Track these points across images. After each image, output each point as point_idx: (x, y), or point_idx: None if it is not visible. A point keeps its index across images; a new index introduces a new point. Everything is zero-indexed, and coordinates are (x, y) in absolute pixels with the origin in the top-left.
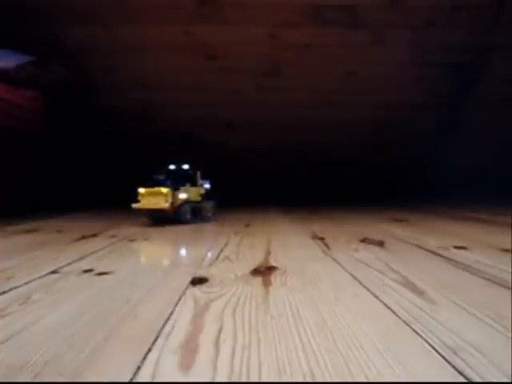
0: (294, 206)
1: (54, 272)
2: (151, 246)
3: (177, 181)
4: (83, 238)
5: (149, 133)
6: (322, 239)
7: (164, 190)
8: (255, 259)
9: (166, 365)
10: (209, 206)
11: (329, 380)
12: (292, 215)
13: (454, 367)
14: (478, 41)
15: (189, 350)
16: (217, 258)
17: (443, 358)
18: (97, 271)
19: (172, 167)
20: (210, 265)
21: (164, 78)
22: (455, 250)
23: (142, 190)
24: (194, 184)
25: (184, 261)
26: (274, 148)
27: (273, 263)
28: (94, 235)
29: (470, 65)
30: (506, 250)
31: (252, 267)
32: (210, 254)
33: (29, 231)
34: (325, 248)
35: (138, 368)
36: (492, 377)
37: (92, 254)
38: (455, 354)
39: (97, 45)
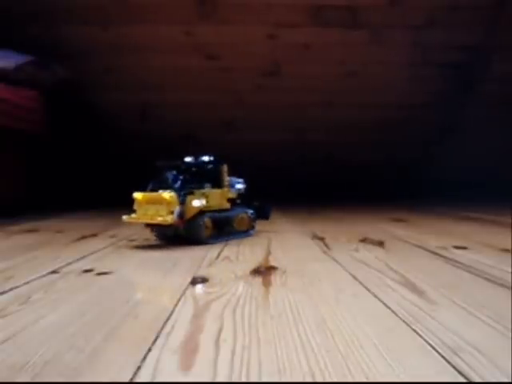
0: (294, 206)
1: (53, 272)
2: (151, 245)
3: (192, 180)
4: (83, 237)
5: (148, 133)
6: (322, 239)
7: (167, 195)
8: (255, 259)
9: (166, 365)
10: (242, 215)
11: (329, 380)
12: (292, 215)
13: (454, 367)
14: (478, 41)
15: (189, 350)
16: (217, 257)
17: (443, 357)
18: (97, 271)
19: (188, 159)
20: (210, 265)
21: (164, 78)
22: (455, 250)
23: (137, 196)
24: (217, 184)
25: (184, 260)
26: (274, 148)
27: (273, 263)
28: (94, 235)
29: (470, 65)
30: (506, 250)
31: (252, 267)
32: (209, 254)
33: (29, 231)
34: (325, 248)
35: (138, 368)
36: (492, 377)
37: (92, 253)
38: (455, 354)
39: (96, 45)
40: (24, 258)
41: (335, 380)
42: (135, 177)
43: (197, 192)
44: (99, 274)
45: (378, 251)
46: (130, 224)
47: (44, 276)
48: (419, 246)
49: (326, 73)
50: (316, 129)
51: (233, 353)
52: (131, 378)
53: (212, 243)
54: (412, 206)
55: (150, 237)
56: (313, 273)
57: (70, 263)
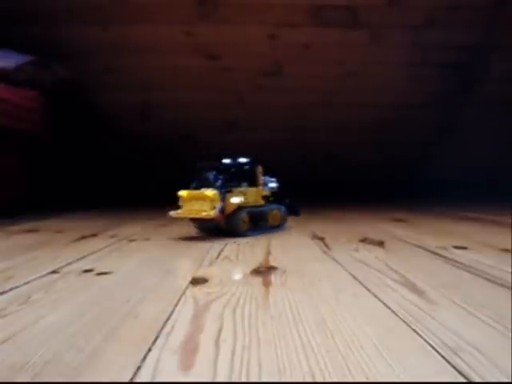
0: None
1: (53, 272)
2: (151, 245)
3: (230, 180)
4: (83, 237)
5: (148, 133)
6: (322, 239)
7: (209, 192)
8: (255, 259)
9: (166, 365)
10: (275, 211)
11: (329, 380)
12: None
13: (454, 367)
14: (477, 41)
15: (189, 350)
16: (217, 257)
17: (443, 357)
18: (97, 271)
19: (226, 161)
20: (210, 264)
21: (164, 78)
22: (455, 250)
23: (183, 193)
24: (253, 183)
25: (184, 260)
26: (275, 148)
27: (273, 263)
28: (94, 235)
29: (470, 65)
30: (506, 250)
31: (252, 267)
32: (210, 254)
33: (29, 231)
34: (325, 248)
35: (138, 368)
36: (492, 377)
37: (92, 253)
38: (455, 354)
39: (96, 45)
40: (24, 257)
41: (335, 380)
42: (135, 177)
43: (235, 190)
44: (99, 274)
45: (378, 251)
46: (177, 219)
47: (44, 276)
48: (419, 246)
49: (326, 73)
50: (316, 129)
51: (233, 353)
52: (131, 378)
53: (249, 235)
54: (411, 205)
55: (151, 237)
56: (313, 273)
57: (70, 263)
